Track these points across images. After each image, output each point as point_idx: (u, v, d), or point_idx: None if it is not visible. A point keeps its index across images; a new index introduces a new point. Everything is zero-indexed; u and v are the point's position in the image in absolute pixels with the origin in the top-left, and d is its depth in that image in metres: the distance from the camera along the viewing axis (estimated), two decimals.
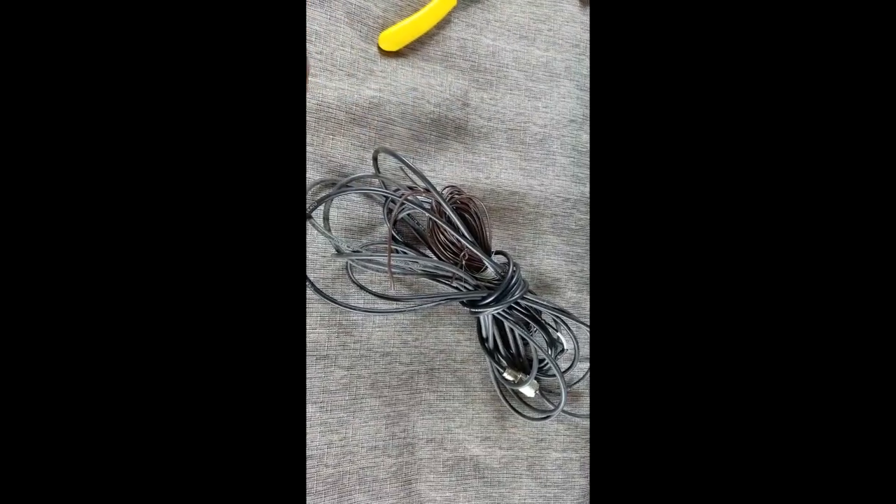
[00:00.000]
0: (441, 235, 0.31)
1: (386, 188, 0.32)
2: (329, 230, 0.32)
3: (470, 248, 0.30)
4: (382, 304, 0.33)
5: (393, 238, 0.32)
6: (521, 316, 0.33)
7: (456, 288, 0.33)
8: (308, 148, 0.31)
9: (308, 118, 0.31)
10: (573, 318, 0.33)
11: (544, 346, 0.33)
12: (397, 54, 0.35)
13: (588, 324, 0.34)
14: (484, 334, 0.34)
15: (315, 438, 0.31)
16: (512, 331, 0.33)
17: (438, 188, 0.30)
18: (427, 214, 0.30)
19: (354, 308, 0.32)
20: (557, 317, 0.33)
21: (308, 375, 0.31)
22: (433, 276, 0.33)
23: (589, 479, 0.37)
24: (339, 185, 0.31)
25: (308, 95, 0.31)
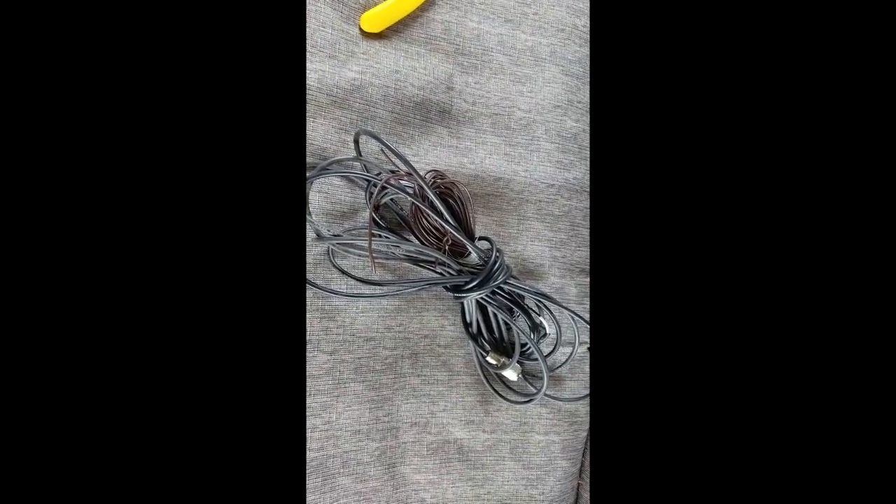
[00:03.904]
0: (424, 220, 0.31)
1: (367, 172, 0.32)
2: (310, 214, 0.32)
3: (453, 233, 0.30)
4: (365, 289, 0.33)
5: (375, 222, 0.31)
6: (505, 301, 0.33)
7: (439, 273, 0.33)
8: None
9: None
10: (556, 303, 0.33)
11: (527, 330, 0.33)
12: (379, 36, 0.34)
13: (570, 308, 0.34)
14: (467, 319, 0.34)
15: None
16: (495, 315, 0.34)
17: (422, 172, 0.30)
18: (410, 199, 0.30)
19: (337, 293, 0.32)
20: (540, 302, 0.34)
21: None
22: (416, 262, 0.33)
23: (570, 461, 0.38)
24: (319, 167, 0.31)
25: None
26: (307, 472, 0.31)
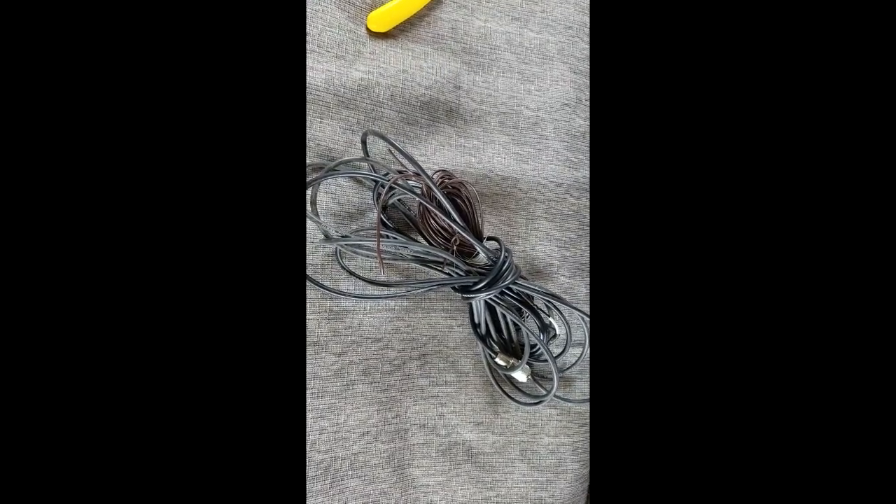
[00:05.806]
0: (432, 221, 0.31)
1: (375, 172, 0.32)
2: (317, 215, 0.31)
3: (461, 233, 0.30)
4: (373, 290, 0.33)
5: (382, 223, 0.31)
6: (513, 301, 0.32)
7: (447, 273, 0.32)
8: None
9: None
10: (565, 304, 0.33)
11: (536, 331, 0.33)
12: (386, 35, 0.34)
13: (580, 309, 0.34)
14: (476, 320, 0.34)
15: (307, 424, 0.31)
16: (504, 316, 0.33)
17: (429, 172, 0.29)
18: (417, 199, 0.30)
19: (345, 294, 0.32)
20: (550, 302, 0.33)
21: None
22: (424, 262, 0.33)
23: (581, 463, 0.37)
24: (327, 168, 0.31)
25: None
26: (316, 474, 0.31)
